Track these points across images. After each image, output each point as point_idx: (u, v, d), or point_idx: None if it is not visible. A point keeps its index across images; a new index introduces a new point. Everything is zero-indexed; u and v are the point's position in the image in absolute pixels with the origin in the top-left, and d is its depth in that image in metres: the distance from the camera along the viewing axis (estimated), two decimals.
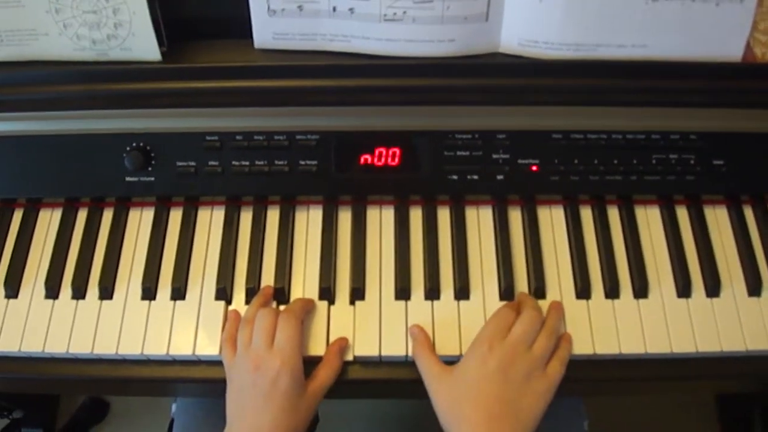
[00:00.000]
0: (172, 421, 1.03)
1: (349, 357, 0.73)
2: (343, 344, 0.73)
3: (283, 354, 0.67)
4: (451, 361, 0.71)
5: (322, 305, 0.76)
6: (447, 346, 0.73)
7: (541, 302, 0.75)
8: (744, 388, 0.91)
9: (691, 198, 0.81)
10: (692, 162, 0.78)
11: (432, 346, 0.71)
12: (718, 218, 0.81)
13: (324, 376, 0.71)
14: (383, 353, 0.73)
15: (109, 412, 1.46)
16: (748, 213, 0.81)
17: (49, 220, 0.82)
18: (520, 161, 0.78)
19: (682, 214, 0.81)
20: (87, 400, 1.44)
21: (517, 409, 0.65)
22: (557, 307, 0.74)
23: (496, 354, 0.66)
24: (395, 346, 0.73)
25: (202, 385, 0.75)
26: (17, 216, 0.82)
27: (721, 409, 1.39)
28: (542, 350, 0.68)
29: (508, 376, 0.65)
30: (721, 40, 0.72)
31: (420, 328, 0.73)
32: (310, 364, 0.71)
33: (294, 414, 0.67)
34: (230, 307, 0.77)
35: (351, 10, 0.70)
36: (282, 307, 0.75)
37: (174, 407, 0.98)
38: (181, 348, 0.74)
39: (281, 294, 0.76)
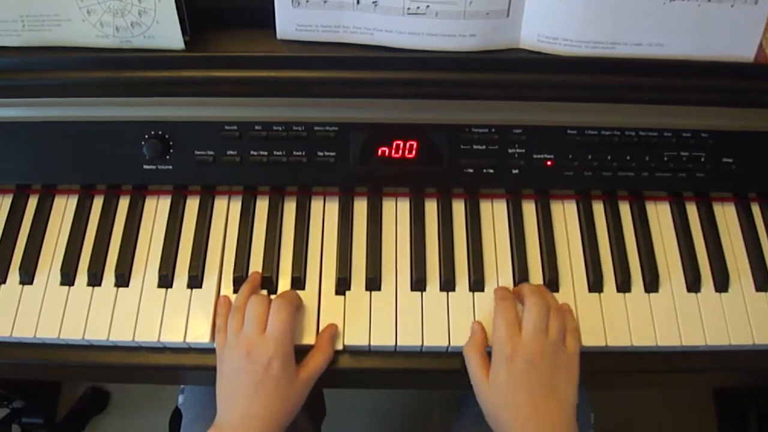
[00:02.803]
0: (176, 410, 1.04)
1: (365, 347, 0.74)
2: (333, 331, 0.74)
3: (275, 340, 0.68)
4: None
5: (338, 296, 0.77)
6: (462, 337, 0.74)
7: (553, 295, 0.77)
8: (746, 382, 0.93)
9: (701, 195, 0.83)
10: (703, 160, 0.80)
11: (484, 345, 0.71)
12: (726, 215, 0.83)
13: (316, 362, 0.71)
14: (399, 343, 0.74)
15: (109, 402, 1.46)
16: (756, 210, 0.83)
17: (64, 207, 0.82)
18: (535, 156, 0.79)
19: (692, 210, 0.83)
20: (88, 390, 1.44)
21: (556, 393, 0.66)
22: (540, 286, 0.76)
23: (520, 352, 0.67)
24: (411, 337, 0.74)
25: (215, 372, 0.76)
26: (32, 202, 0.82)
27: (717, 404, 1.42)
28: (557, 331, 0.69)
29: (537, 367, 0.66)
30: (734, 41, 0.74)
31: (479, 325, 0.73)
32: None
33: (285, 400, 0.68)
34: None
35: (374, 3, 0.71)
36: (273, 296, 0.76)
37: (181, 398, 0.98)
38: (198, 336, 0.74)
39: (297, 283, 0.77)
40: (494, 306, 0.73)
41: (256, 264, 0.78)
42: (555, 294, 0.77)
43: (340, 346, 0.74)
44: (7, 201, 0.82)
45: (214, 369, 0.73)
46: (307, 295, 0.76)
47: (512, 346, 0.67)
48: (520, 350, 0.67)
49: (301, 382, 0.70)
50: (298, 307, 0.74)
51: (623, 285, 0.77)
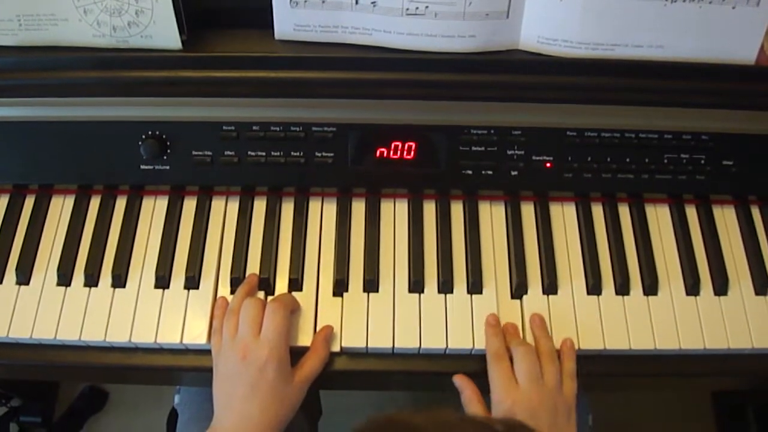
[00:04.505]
0: (172, 410, 1.03)
1: (362, 349, 0.74)
2: (328, 333, 0.74)
3: (270, 343, 0.68)
4: (463, 354, 0.73)
5: (336, 298, 0.76)
6: (460, 340, 0.73)
7: (552, 298, 0.77)
8: (745, 385, 0.93)
9: (701, 197, 0.83)
10: (703, 162, 0.79)
11: (478, 393, 0.71)
12: (726, 218, 0.82)
13: (311, 364, 0.71)
14: (397, 345, 0.73)
15: (107, 402, 1.46)
16: (756, 213, 0.83)
17: (61, 207, 0.82)
18: (534, 158, 0.79)
19: (692, 213, 0.82)
20: (86, 389, 1.43)
21: None
22: (539, 323, 0.74)
23: (519, 404, 0.66)
24: (408, 339, 0.74)
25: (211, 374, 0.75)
26: (29, 202, 0.82)
27: (716, 407, 1.41)
28: (553, 377, 0.69)
29: (538, 419, 0.65)
30: (735, 43, 0.73)
31: (464, 379, 0.72)
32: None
33: (281, 402, 0.68)
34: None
35: (373, 3, 0.71)
36: (269, 298, 0.76)
37: (177, 398, 0.98)
38: (195, 337, 0.74)
39: (295, 284, 0.77)
40: (487, 360, 0.72)
41: (253, 265, 0.78)
42: (553, 296, 0.77)
43: (337, 348, 0.74)
44: (3, 201, 0.82)
45: (210, 370, 0.72)
46: (305, 297, 0.76)
47: (511, 400, 0.67)
48: (519, 402, 0.66)
49: (296, 385, 0.69)
50: (293, 309, 0.74)
51: (622, 288, 0.77)
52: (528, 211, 0.82)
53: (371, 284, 0.76)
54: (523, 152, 0.78)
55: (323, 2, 0.71)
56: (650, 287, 0.77)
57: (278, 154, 0.78)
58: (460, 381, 0.73)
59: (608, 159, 0.79)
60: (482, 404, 0.70)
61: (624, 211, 0.82)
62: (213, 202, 0.82)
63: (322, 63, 0.74)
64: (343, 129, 0.78)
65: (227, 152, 0.78)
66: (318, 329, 0.74)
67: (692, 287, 0.77)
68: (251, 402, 0.67)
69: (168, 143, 0.78)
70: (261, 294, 0.77)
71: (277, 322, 0.68)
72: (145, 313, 0.75)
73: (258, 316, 0.69)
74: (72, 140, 0.78)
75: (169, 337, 0.74)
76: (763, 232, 0.81)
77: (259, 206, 0.82)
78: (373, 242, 0.79)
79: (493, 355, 0.71)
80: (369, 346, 0.73)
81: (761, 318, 0.76)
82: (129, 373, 0.80)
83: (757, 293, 0.78)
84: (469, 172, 0.79)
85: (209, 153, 0.78)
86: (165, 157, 0.78)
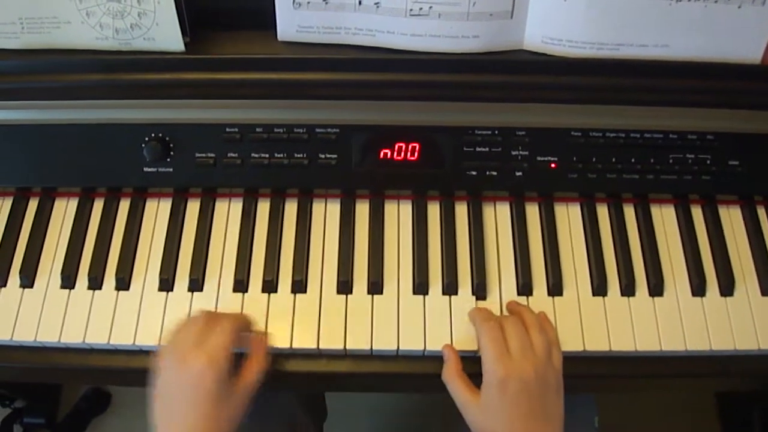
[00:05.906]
0: None
1: (367, 351, 0.74)
2: (264, 337, 0.72)
3: (210, 355, 0.65)
4: (467, 357, 0.72)
5: (340, 300, 0.76)
6: (465, 342, 0.73)
7: (557, 299, 0.76)
8: (750, 387, 0.92)
9: (706, 198, 0.82)
10: (708, 162, 0.79)
11: (461, 368, 0.70)
12: (732, 218, 0.82)
13: (251, 373, 0.69)
14: (401, 347, 0.73)
15: (110, 403, 1.46)
16: (762, 213, 0.82)
17: (64, 210, 0.82)
18: (538, 158, 0.78)
19: (697, 213, 0.82)
20: (89, 391, 1.44)
21: (546, 411, 0.66)
22: (516, 304, 0.75)
23: (513, 375, 0.65)
24: (413, 341, 0.73)
25: None
26: (32, 205, 0.82)
27: (721, 409, 1.41)
28: (543, 347, 0.68)
29: (530, 388, 0.65)
30: (741, 42, 0.73)
31: (451, 349, 0.72)
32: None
33: (222, 414, 0.65)
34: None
35: (376, 4, 0.70)
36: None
37: None
38: None
39: (299, 286, 0.77)
40: (477, 328, 0.71)
41: (257, 267, 0.78)
42: (558, 298, 0.76)
43: (342, 349, 0.73)
44: (7, 204, 0.82)
45: None
46: (309, 299, 0.76)
47: (504, 369, 0.66)
48: (513, 372, 0.66)
49: (237, 396, 0.67)
50: (244, 331, 0.71)
51: (627, 289, 0.77)
52: (533, 212, 0.81)
53: (375, 286, 0.76)
54: (527, 153, 0.78)
55: (326, 3, 0.71)
56: (656, 288, 0.77)
57: (281, 155, 0.78)
58: (449, 351, 0.72)
59: (613, 159, 0.78)
60: (463, 379, 0.69)
61: (629, 212, 0.82)
62: (216, 205, 0.82)
63: (326, 64, 0.74)
64: (347, 130, 0.77)
65: (230, 154, 0.78)
66: (323, 332, 0.73)
67: (698, 288, 0.77)
68: (190, 416, 0.64)
69: (171, 145, 0.78)
70: (265, 296, 0.76)
71: (221, 339, 0.66)
72: (149, 316, 0.75)
73: (203, 331, 0.67)
74: (75, 143, 0.78)
75: None
76: None
77: (263, 208, 0.81)
78: (377, 244, 0.79)
79: (483, 320, 0.70)
80: (373, 348, 0.73)
81: (767, 318, 0.75)
82: (133, 376, 0.80)
83: (763, 294, 0.77)
84: (474, 173, 0.79)
85: (212, 155, 0.78)
86: (168, 160, 0.78)
